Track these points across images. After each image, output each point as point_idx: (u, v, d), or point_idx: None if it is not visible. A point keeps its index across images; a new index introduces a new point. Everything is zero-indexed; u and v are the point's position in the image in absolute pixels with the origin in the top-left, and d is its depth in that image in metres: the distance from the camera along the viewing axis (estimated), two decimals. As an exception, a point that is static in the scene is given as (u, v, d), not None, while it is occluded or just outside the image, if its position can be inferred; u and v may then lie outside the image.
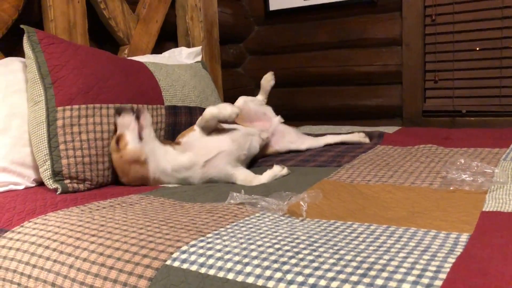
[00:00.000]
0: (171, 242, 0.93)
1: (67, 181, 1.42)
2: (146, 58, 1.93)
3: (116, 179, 1.52)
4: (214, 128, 1.55)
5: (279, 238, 0.93)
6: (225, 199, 1.22)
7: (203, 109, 1.85)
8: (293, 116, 3.16)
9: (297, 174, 1.51)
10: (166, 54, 2.17)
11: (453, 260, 0.78)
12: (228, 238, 0.94)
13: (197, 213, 1.13)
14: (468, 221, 0.99)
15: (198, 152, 1.49)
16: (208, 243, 0.91)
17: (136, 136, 1.44)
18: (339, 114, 3.06)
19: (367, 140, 1.93)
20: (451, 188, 1.23)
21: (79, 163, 1.43)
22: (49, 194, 1.37)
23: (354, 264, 0.79)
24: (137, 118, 1.45)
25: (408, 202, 1.18)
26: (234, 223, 1.03)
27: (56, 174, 1.40)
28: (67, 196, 1.34)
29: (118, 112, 1.45)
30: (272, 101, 3.31)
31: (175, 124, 1.72)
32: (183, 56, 2.20)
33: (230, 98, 3.08)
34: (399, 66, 2.81)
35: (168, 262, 0.86)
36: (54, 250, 0.99)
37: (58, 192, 1.39)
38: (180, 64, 1.94)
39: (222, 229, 0.99)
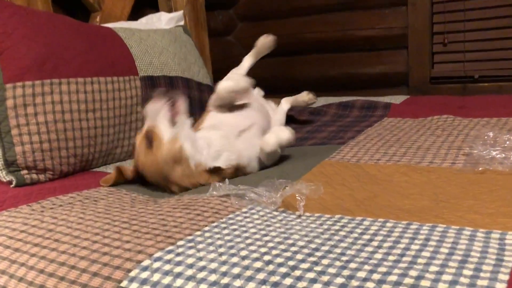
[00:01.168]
0: (130, 254, 0.72)
1: (24, 171, 1.21)
2: (117, 25, 1.69)
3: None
4: (230, 105, 1.32)
5: (270, 244, 0.72)
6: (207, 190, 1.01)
7: (186, 79, 1.62)
8: (289, 87, 2.92)
9: (293, 156, 1.30)
10: (143, 20, 1.93)
11: (506, 277, 0.57)
12: (204, 246, 0.73)
13: (171, 209, 0.92)
14: (510, 213, 0.78)
15: (228, 130, 1.22)
16: (178, 254, 0.70)
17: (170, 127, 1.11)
18: (339, 83, 2.82)
19: (311, 97, 1.69)
20: (480, 169, 1.01)
21: (36, 150, 1.21)
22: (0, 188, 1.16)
23: (370, 286, 0.58)
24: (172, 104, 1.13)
25: (429, 187, 0.97)
26: (214, 224, 0.82)
27: (10, 164, 1.19)
28: (20, 191, 1.12)
29: (146, 99, 1.13)
30: (266, 71, 3.07)
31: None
32: (163, 22, 1.96)
33: (220, 70, 2.84)
34: (404, 29, 2.56)
35: (124, 284, 0.66)
36: (-13, 265, 0.78)
37: (12, 185, 1.18)
38: (157, 29, 1.70)
39: (198, 232, 0.78)
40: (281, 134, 1.21)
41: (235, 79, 1.31)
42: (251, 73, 3.04)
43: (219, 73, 2.69)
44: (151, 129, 1.09)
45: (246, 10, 2.98)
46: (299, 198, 0.86)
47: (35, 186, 1.20)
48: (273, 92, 2.86)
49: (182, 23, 2.06)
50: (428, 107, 1.71)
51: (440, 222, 0.77)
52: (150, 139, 1.08)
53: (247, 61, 1.73)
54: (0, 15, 1.20)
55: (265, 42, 1.73)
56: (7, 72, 1.18)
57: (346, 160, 1.21)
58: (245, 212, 0.88)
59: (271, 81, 3.03)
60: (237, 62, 3.06)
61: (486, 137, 1.10)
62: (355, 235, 0.74)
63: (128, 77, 1.41)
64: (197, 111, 1.65)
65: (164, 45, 1.60)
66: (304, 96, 1.66)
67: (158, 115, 1.09)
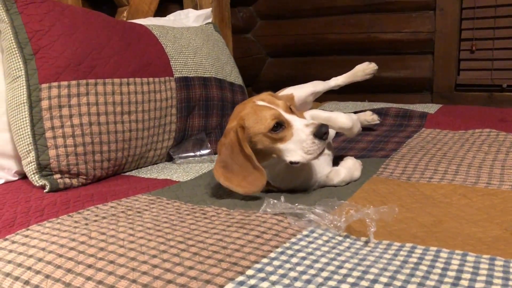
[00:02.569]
0: (198, 284, 0.66)
1: (57, 175, 1.15)
2: (148, 21, 1.63)
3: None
4: None
5: (350, 280, 0.66)
6: (254, 200, 0.95)
7: (219, 80, 1.56)
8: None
9: (336, 168, 1.24)
10: (171, 17, 1.87)
11: None
12: (277, 278, 0.67)
13: (225, 227, 0.86)
14: None
15: None
16: (251, 287, 0.65)
17: None
18: (360, 86, 2.74)
19: (375, 118, 1.62)
20: (548, 195, 0.96)
21: (70, 154, 1.15)
22: (34, 193, 1.10)
23: None
24: None
25: (495, 213, 0.91)
26: (279, 249, 0.76)
27: (43, 168, 1.13)
28: (57, 197, 1.06)
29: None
30: (285, 70, 3.01)
31: (189, 99, 1.43)
32: (191, 19, 1.89)
33: (238, 67, 2.78)
34: (431, 34, 2.51)
35: (198, 320, 0.60)
36: (37, 287, 0.72)
37: (46, 190, 1.13)
38: (190, 27, 1.63)
39: (265, 260, 0.73)
40: (355, 172, 1.14)
41: (353, 121, 1.17)
42: (268, 71, 2.99)
43: (239, 70, 2.63)
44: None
45: (267, 7, 2.91)
46: (369, 223, 0.80)
47: (69, 191, 1.14)
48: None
49: (210, 20, 1.99)
50: (465, 118, 1.66)
51: (526, 259, 0.71)
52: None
53: (335, 81, 1.61)
54: (37, 10, 1.14)
55: (365, 68, 1.60)
56: (42, 72, 1.12)
57: (395, 177, 1.16)
58: (307, 236, 0.82)
59: (289, 80, 2.97)
60: (254, 61, 3.00)
61: (548, 160, 1.04)
62: (439, 270, 0.69)
63: (163, 78, 1.35)
64: (229, 112, 1.60)
65: (198, 44, 1.54)
66: (368, 116, 1.59)
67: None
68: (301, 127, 1.01)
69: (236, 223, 0.88)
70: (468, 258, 0.73)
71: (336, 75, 2.79)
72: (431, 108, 1.82)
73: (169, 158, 1.43)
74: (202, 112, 1.47)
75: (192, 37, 1.54)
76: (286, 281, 0.66)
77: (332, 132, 1.26)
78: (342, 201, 0.89)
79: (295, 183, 1.11)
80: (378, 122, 1.60)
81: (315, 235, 0.83)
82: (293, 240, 0.80)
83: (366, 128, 1.65)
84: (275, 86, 3.01)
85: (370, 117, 1.59)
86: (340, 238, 0.82)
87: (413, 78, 2.61)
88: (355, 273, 0.68)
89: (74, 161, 1.16)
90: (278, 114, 1.02)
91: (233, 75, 1.67)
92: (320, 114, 1.17)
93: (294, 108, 1.11)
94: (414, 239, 0.81)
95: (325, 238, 0.82)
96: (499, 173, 1.12)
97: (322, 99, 2.50)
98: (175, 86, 1.38)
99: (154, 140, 1.34)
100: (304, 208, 0.89)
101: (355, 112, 1.71)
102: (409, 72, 2.62)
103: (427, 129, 1.58)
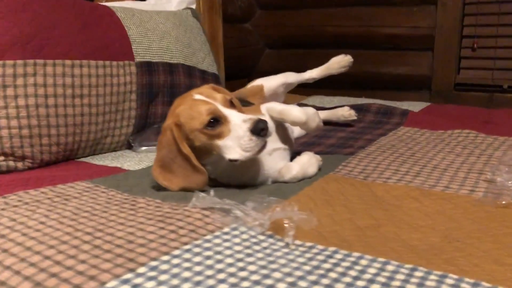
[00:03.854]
0: (81, 279, 0.61)
1: (0, 158, 1.11)
2: (124, 4, 1.58)
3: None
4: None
5: (244, 284, 0.60)
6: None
7: (188, 67, 1.50)
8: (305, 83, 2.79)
9: (295, 164, 1.17)
10: (151, 1, 1.81)
11: None
12: (166, 278, 0.61)
13: (145, 220, 0.81)
14: (537, 267, 0.66)
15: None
16: (134, 286, 0.59)
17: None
18: (357, 82, 2.67)
19: (352, 114, 1.54)
20: (503, 202, 0.88)
21: (15, 136, 1.11)
22: (-30, 176, 1.06)
23: None
24: None
25: (442, 219, 0.84)
26: (187, 246, 0.71)
27: (-16, 149, 1.09)
28: (-8, 180, 1.02)
29: None
30: (282, 63, 2.93)
31: (151, 85, 1.38)
32: (173, 4, 1.83)
33: (234, 58, 2.71)
34: (431, 29, 2.40)
35: (64, 320, 0.55)
36: None
37: (-15, 172, 1.09)
38: (161, 10, 1.57)
39: (166, 257, 0.67)
40: (309, 169, 1.07)
41: (308, 115, 1.07)
42: (265, 62, 2.92)
43: (232, 61, 2.57)
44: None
45: (267, -4, 2.84)
46: (287, 225, 0.74)
47: (11, 175, 1.10)
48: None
49: (193, 6, 1.93)
50: (449, 118, 1.57)
51: (451, 271, 0.64)
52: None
53: (309, 74, 1.56)
54: (-18, -16, 1.10)
55: (340, 61, 1.55)
56: (-14, 49, 1.08)
57: (353, 176, 1.09)
58: (226, 233, 0.76)
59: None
60: (252, 51, 2.93)
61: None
62: (348, 279, 0.62)
63: (122, 62, 1.30)
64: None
65: (166, 29, 1.48)
66: (345, 111, 1.52)
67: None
68: (238, 123, 0.94)
69: (159, 216, 0.83)
70: (388, 267, 0.66)
71: (332, 69, 2.70)
72: (417, 106, 1.74)
73: (130, 146, 1.38)
74: (166, 100, 1.41)
75: (161, 21, 1.49)
76: (175, 281, 0.61)
77: (292, 127, 1.19)
78: (272, 198, 0.82)
79: (243, 179, 1.05)
80: (355, 118, 1.52)
81: (235, 232, 0.77)
82: (208, 237, 0.74)
83: (343, 124, 1.58)
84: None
85: (347, 113, 1.52)
86: (262, 238, 0.76)
87: (412, 75, 2.51)
88: (254, 277, 0.62)
89: (18, 144, 1.12)
90: (214, 109, 0.95)
91: (206, 63, 1.61)
92: (275, 107, 1.10)
93: (236, 101, 1.04)
94: (341, 243, 0.74)
95: (244, 236, 0.76)
96: (463, 176, 1.04)
97: (308, 93, 2.43)
98: (136, 70, 1.33)
99: (111, 126, 1.30)
100: (232, 203, 0.83)
101: (334, 108, 1.63)
102: (408, 69, 2.52)
103: (405, 127, 1.50)
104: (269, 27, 2.89)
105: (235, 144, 0.94)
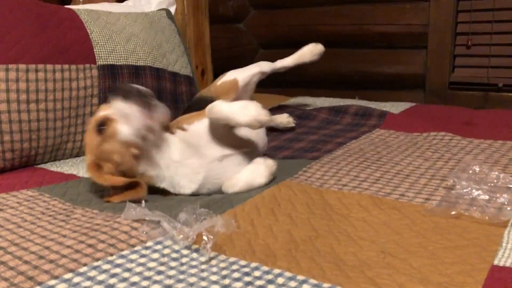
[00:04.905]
0: (-31, 300, 0.58)
1: (-50, 165, 1.09)
2: (96, 6, 1.55)
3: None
4: None
5: (138, 306, 0.56)
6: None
7: (156, 69, 1.47)
8: (297, 82, 2.74)
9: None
10: (129, 2, 1.78)
11: None
12: (59, 298, 0.58)
13: (69, 233, 0.78)
14: (464, 286, 0.60)
15: (214, 151, 1.02)
16: (20, 308, 0.56)
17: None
18: (350, 82, 2.61)
19: (290, 121, 1.48)
20: (453, 213, 0.82)
21: (-36, 143, 1.09)
22: None
23: None
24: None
25: (385, 231, 0.79)
26: (96, 263, 0.67)
27: None
28: None
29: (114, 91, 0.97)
30: (275, 63, 2.88)
31: (115, 89, 1.35)
32: (153, 5, 1.80)
33: (225, 59, 2.67)
34: (424, 27, 2.33)
35: None
36: None
37: None
38: (130, 12, 1.54)
39: (68, 275, 0.63)
40: (256, 180, 1.01)
41: (251, 112, 0.95)
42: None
43: (224, 62, 2.52)
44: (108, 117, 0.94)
45: (260, -4, 2.79)
46: (206, 238, 0.69)
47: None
48: (281, 86, 2.68)
49: (174, 7, 1.90)
50: (429, 120, 1.50)
51: (370, 292, 0.59)
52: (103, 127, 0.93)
53: (281, 63, 1.53)
54: None
55: (312, 50, 1.53)
56: None
57: (309, 182, 1.04)
58: (148, 248, 0.72)
59: (279, 73, 2.84)
60: (245, 52, 2.89)
61: (471, 171, 0.90)
62: (254, 300, 0.57)
63: (83, 65, 1.27)
64: (169, 104, 1.50)
65: (134, 31, 1.45)
66: (284, 119, 1.46)
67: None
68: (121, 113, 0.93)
69: (86, 228, 0.80)
70: (304, 286, 0.61)
71: (326, 69, 2.65)
72: (399, 107, 1.67)
73: (95, 151, 1.35)
74: (131, 103, 1.38)
75: (129, 23, 1.45)
76: (65, 303, 0.57)
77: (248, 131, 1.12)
78: (203, 209, 0.78)
79: (193, 187, 1.01)
80: (293, 125, 1.45)
81: (157, 247, 0.73)
82: (125, 252, 0.71)
83: (319, 126, 1.52)
84: (265, 78, 2.89)
85: (285, 120, 1.44)
86: (185, 252, 0.72)
87: (406, 74, 2.44)
88: (152, 298, 0.58)
89: (-31, 151, 1.10)
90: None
91: (179, 65, 1.57)
92: (218, 109, 1.01)
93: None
94: (267, 258, 0.70)
95: (166, 251, 0.72)
96: (424, 183, 0.99)
97: (293, 93, 2.38)
98: (97, 74, 1.30)
99: (71, 131, 1.27)
100: (161, 215, 0.79)
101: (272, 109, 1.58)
102: (401, 68, 2.45)
103: (380, 129, 1.44)
104: (262, 27, 2.84)
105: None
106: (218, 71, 2.35)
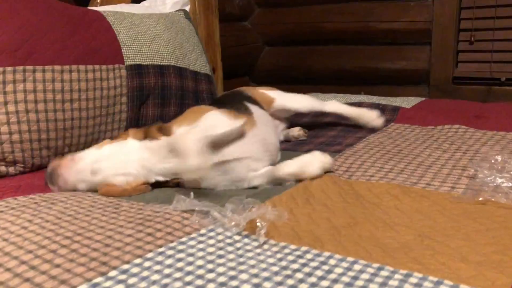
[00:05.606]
0: (53, 283, 0.63)
1: (-8, 163, 1.14)
2: (116, 8, 1.59)
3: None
4: None
5: (211, 285, 0.62)
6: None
7: (179, 68, 1.52)
8: (303, 79, 2.80)
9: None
10: (145, 3, 1.83)
11: None
12: (135, 281, 0.63)
13: (125, 223, 0.83)
14: (502, 265, 0.66)
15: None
16: (103, 290, 0.61)
17: None
18: (356, 78, 2.67)
19: (301, 134, 1.45)
20: (480, 199, 0.88)
21: (5, 142, 1.14)
22: (-38, 181, 1.09)
23: None
24: None
25: (418, 217, 0.85)
26: (161, 249, 0.72)
27: (-24, 155, 1.12)
28: (-17, 186, 1.05)
29: None
30: (281, 60, 2.94)
31: (142, 87, 1.40)
32: (168, 6, 1.85)
33: (233, 56, 2.72)
34: (428, 24, 2.39)
35: (33, 323, 0.57)
36: None
37: (-22, 178, 1.11)
38: (152, 13, 1.59)
39: (138, 260, 0.69)
40: (309, 167, 1.05)
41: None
42: (265, 60, 2.93)
43: (232, 60, 2.58)
44: None
45: (264, -5, 2.84)
46: (259, 224, 0.75)
47: (4, 180, 1.13)
48: (287, 82, 2.74)
49: (188, 7, 1.95)
50: (441, 113, 1.56)
51: (416, 270, 0.65)
52: None
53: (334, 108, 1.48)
54: (-31, -7, 1.12)
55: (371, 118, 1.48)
56: (-25, 57, 1.11)
57: (337, 174, 1.09)
58: (203, 235, 0.78)
59: (286, 70, 2.90)
60: (251, 50, 2.94)
61: (493, 161, 0.96)
62: (313, 279, 0.63)
63: (112, 65, 1.32)
64: (191, 102, 1.56)
65: (157, 31, 1.50)
66: (295, 132, 1.46)
67: None
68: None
69: (139, 219, 0.85)
70: (356, 266, 0.67)
71: (332, 65, 2.72)
72: (410, 102, 1.73)
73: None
74: (157, 101, 1.43)
75: (152, 24, 1.50)
76: (142, 284, 0.62)
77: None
78: (250, 199, 0.84)
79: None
80: (305, 138, 1.45)
81: (211, 234, 0.79)
82: (183, 239, 0.76)
83: (334, 123, 1.57)
84: (272, 75, 2.95)
85: (297, 133, 1.47)
86: (237, 238, 0.77)
87: (410, 70, 2.51)
88: (221, 279, 0.64)
89: (9, 149, 1.14)
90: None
91: (199, 64, 1.62)
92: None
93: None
94: (314, 242, 0.76)
95: (220, 237, 0.77)
96: (446, 173, 1.05)
97: (300, 90, 2.43)
98: (126, 74, 1.35)
99: (102, 129, 1.32)
100: (210, 205, 0.85)
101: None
102: (406, 64, 2.51)
103: (395, 124, 1.50)
104: (267, 24, 2.90)
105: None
106: (226, 69, 2.41)
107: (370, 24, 2.56)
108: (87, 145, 1.30)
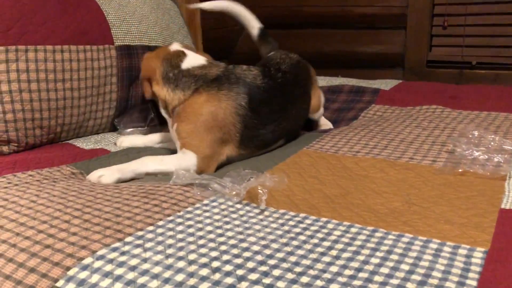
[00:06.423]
0: (73, 249, 0.67)
1: (-14, 142, 1.15)
2: (101, -10, 1.60)
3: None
4: None
5: (223, 247, 0.67)
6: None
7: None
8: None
9: (270, 140, 1.24)
10: (130, -15, 1.83)
11: (465, 306, 0.53)
12: (152, 244, 0.68)
13: (130, 197, 0.87)
14: (482, 225, 0.74)
15: None
16: (123, 253, 0.66)
17: None
18: (334, 61, 2.74)
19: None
20: (460, 170, 0.96)
21: None
22: (-42, 160, 1.10)
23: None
24: None
25: (404, 186, 0.92)
26: (170, 218, 0.77)
27: (-30, 134, 1.13)
28: (-22, 164, 1.07)
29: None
30: (260, 44, 2.98)
31: (131, 68, 1.42)
32: (151, -12, 1.85)
33: (212, 39, 2.74)
34: (404, 8, 2.47)
35: (60, 284, 0.61)
36: None
37: (-27, 157, 1.13)
38: (139, -4, 1.61)
39: (151, 227, 0.73)
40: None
41: None
42: (244, 44, 2.96)
43: (211, 42, 2.60)
44: None
45: (243, -22, 2.86)
46: (261, 191, 0.81)
47: (-2, 158, 1.14)
48: (266, 65, 2.78)
49: (171, -10, 1.96)
50: (419, 95, 1.64)
51: (407, 231, 0.72)
52: None
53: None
54: (-38, -27, 1.12)
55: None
56: (-32, 37, 1.11)
57: (324, 150, 1.16)
58: (206, 205, 0.83)
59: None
60: (229, 33, 2.96)
61: (470, 136, 1.04)
62: (316, 240, 0.69)
63: (102, 46, 1.34)
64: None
65: (144, 13, 1.52)
66: None
67: None
68: None
69: (142, 193, 0.89)
70: (352, 229, 0.73)
71: (310, 49, 2.77)
72: (388, 84, 1.81)
73: (115, 128, 1.43)
74: (146, 82, 1.46)
75: (139, 5, 1.52)
76: (159, 248, 0.67)
77: None
78: (247, 170, 0.89)
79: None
80: None
81: (214, 204, 0.83)
82: (189, 209, 0.81)
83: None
84: (251, 59, 2.98)
85: None
86: (239, 206, 0.83)
87: (386, 54, 2.58)
88: (231, 241, 0.69)
89: (3, 128, 1.16)
90: None
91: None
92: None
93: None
94: (311, 209, 0.82)
95: (223, 206, 0.82)
96: (427, 148, 1.12)
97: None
98: (116, 54, 1.37)
99: (93, 109, 1.34)
100: (210, 178, 0.90)
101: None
102: (382, 48, 2.59)
103: (377, 105, 1.57)
104: (246, 7, 2.92)
105: None
106: (206, 51, 2.44)
107: (347, 9, 2.62)
108: (78, 125, 1.33)
